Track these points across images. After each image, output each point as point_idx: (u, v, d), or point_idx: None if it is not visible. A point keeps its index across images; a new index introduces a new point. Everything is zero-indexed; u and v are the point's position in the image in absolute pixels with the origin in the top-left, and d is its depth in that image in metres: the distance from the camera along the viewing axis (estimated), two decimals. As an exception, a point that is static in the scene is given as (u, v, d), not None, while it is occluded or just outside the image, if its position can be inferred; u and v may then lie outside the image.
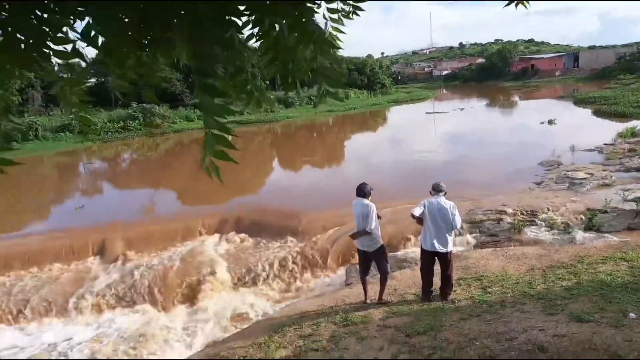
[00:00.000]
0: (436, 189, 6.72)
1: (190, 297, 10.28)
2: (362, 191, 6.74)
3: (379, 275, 6.86)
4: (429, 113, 45.23)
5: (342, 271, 10.51)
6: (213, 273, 10.85)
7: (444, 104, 57.65)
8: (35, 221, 17.34)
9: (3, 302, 10.66)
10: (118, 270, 11.89)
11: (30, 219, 17.58)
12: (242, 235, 13.21)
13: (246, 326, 7.63)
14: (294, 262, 11.18)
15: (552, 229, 11.32)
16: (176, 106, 42.95)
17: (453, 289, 6.76)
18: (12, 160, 1.75)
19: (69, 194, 22.68)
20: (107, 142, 35.16)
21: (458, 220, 6.53)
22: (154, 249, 12.92)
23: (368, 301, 6.80)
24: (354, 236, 6.86)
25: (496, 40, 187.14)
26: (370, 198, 6.76)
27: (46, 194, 23.39)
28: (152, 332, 8.88)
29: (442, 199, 6.58)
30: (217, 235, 13.44)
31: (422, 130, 35.26)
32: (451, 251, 6.67)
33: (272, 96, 44.10)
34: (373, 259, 6.85)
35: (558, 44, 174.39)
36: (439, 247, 6.51)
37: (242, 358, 4.87)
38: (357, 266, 7.41)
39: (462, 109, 47.02)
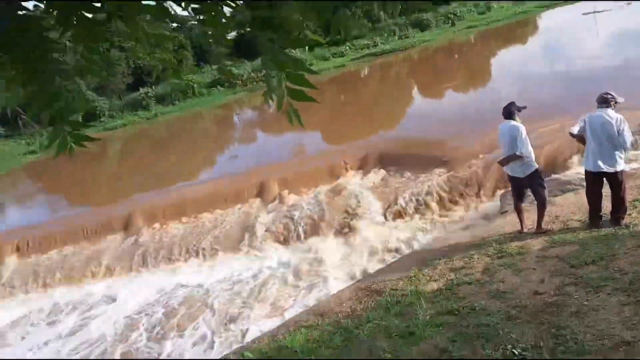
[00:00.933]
0: (602, 101, 5.79)
1: (342, 231, 10.73)
2: (509, 112, 6.11)
3: (536, 203, 6.32)
4: (587, 14, 38.90)
5: (494, 200, 9.93)
6: (361, 208, 11.15)
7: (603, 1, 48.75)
8: (202, 170, 19.43)
9: (181, 244, 12.38)
10: (276, 209, 12.89)
11: (198, 169, 19.75)
12: (387, 168, 13.21)
13: (396, 259, 7.75)
14: (442, 193, 10.90)
15: None
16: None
17: (627, 213, 5.92)
18: (91, 137, 1.86)
19: (227, 143, 24.90)
20: (254, 92, 37.33)
21: (628, 136, 5.59)
22: (305, 187, 13.63)
23: (525, 230, 6.32)
24: (502, 162, 6.34)
25: None
26: (519, 119, 6.13)
27: (208, 145, 25.95)
28: (307, 267, 9.58)
29: (608, 112, 5.67)
30: (361, 171, 13.65)
31: (581, 35, 30.66)
32: (622, 170, 5.77)
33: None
34: (527, 186, 6.29)
35: None
36: (605, 167, 5.68)
37: (393, 289, 4.95)
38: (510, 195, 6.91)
39: (628, 3, 39.21)
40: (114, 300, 11.70)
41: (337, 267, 9.18)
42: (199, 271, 11.54)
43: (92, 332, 10.28)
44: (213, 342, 8.56)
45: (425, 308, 4.17)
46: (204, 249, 12.38)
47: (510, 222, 6.63)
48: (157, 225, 14.19)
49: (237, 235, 12.33)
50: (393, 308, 4.43)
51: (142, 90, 38.71)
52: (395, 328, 3.93)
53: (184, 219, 13.94)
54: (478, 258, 5.31)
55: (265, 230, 11.97)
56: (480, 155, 11.66)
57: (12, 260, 14.66)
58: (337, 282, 8.33)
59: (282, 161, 16.69)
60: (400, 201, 11.00)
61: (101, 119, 37.73)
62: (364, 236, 10.10)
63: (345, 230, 10.69)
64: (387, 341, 3.76)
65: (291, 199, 13.09)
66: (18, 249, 15.02)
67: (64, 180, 25.85)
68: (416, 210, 10.67)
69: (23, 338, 10.84)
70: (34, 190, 26.03)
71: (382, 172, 13.14)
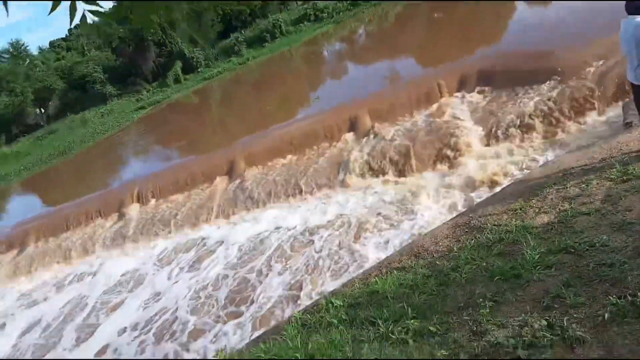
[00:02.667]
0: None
1: (440, 161, 10.13)
2: (636, 7, 4.96)
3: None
4: None
5: (614, 112, 8.59)
6: (460, 134, 10.37)
7: None
8: (294, 110, 19.41)
9: (281, 185, 12.63)
10: (370, 142, 12.53)
11: (291, 109, 19.77)
12: (488, 88, 12.06)
13: (499, 188, 7.08)
14: (551, 110, 9.68)
15: None
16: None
17: None
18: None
19: (318, 79, 24.58)
20: (339, 23, 36.01)
21: None
22: (400, 116, 13.02)
23: (657, 146, 5.34)
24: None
25: None
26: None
27: (300, 83, 25.86)
28: (401, 202, 9.23)
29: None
30: (460, 93, 12.64)
31: None
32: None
33: None
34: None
35: None
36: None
37: (495, 225, 4.47)
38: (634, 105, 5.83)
39: None
40: (224, 242, 12.50)
41: (434, 201, 8.72)
42: (298, 210, 11.78)
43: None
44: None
45: (533, 246, 3.66)
46: (301, 188, 12.57)
47: (636, 138, 5.62)
48: (257, 168, 14.63)
49: (332, 172, 12.28)
50: (495, 247, 3.97)
51: (232, 36, 39.39)
52: (498, 270, 3.51)
53: (281, 160, 14.17)
54: (597, 183, 4.56)
55: (359, 165, 11.75)
56: (593, 66, 10.06)
57: (134, 210, 16.16)
58: (433, 218, 7.94)
59: (375, 91, 16.02)
60: (503, 124, 10.01)
61: (198, 70, 39.25)
62: (463, 166, 9.43)
63: (442, 160, 10.07)
64: (488, 285, 3.38)
65: (385, 130, 12.59)
66: (138, 199, 16.47)
67: (172, 131, 27.63)
68: (521, 132, 9.63)
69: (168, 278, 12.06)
70: (146, 142, 28.17)
71: (482, 91, 12.04)
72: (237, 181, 14.60)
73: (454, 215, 6.63)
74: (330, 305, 3.84)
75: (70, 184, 26.28)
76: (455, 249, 4.23)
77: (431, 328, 3.02)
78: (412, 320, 3.17)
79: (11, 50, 51.29)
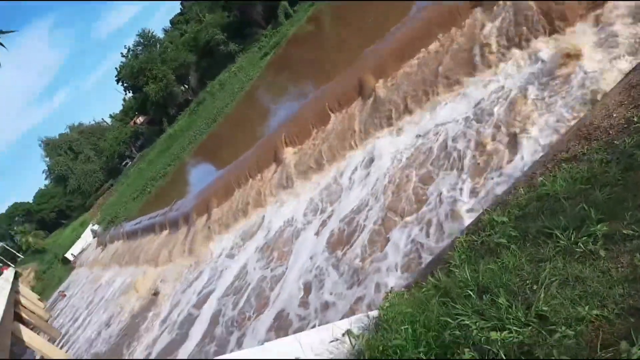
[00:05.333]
0: None
1: (592, 12, 8.33)
2: None
3: None
4: None
5: None
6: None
7: None
8: (406, 9, 17.77)
9: (415, 88, 11.94)
10: (501, 13, 10.96)
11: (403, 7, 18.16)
12: None
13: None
14: None
15: None
16: None
17: None
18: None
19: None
20: None
21: None
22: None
23: None
24: None
25: None
26: None
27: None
28: (557, 66, 7.89)
29: None
30: None
31: None
32: None
33: None
34: None
35: None
36: None
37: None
38: None
39: None
40: (376, 157, 12.54)
41: (594, 61, 7.23)
42: (446, 106, 11.14)
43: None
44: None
45: None
46: (438, 82, 11.74)
47: None
48: (385, 79, 14.02)
49: (467, 57, 11.16)
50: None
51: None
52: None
53: (408, 63, 13.31)
54: None
55: (496, 40, 10.43)
56: None
57: (289, 153, 16.95)
58: (597, 78, 6.61)
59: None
60: None
61: (303, -3, 38.46)
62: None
63: (596, 9, 8.24)
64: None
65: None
66: (287, 143, 17.20)
67: (299, 66, 27.93)
68: None
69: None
70: (280, 86, 28.99)
71: None
72: (370, 99, 14.24)
73: (624, 75, 5.36)
74: (494, 222, 3.44)
75: (230, 143, 28.56)
76: (636, 118, 3.41)
77: (625, 231, 2.49)
78: (598, 225, 2.66)
79: (142, 41, 55.75)
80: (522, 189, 3.69)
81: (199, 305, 15.03)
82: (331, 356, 3.33)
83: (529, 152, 6.92)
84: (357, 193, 12.23)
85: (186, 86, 54.09)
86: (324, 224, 12.50)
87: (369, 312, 3.86)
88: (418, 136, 11.73)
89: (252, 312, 11.87)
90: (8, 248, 65.74)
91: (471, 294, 2.71)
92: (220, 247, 17.77)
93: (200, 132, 38.09)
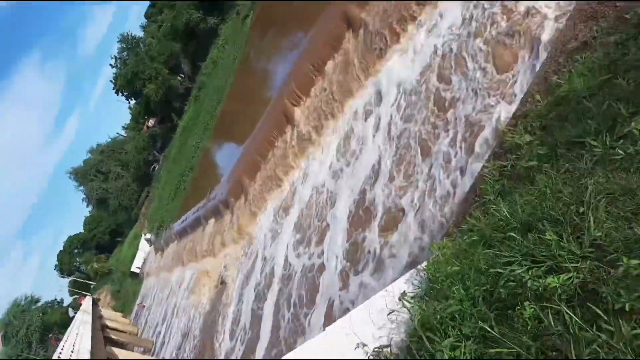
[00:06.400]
0: None
1: None
2: None
3: None
4: None
5: None
6: None
7: None
8: None
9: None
10: None
11: None
12: None
13: None
14: None
15: None
16: None
17: None
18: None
19: None
20: None
21: None
22: None
23: None
24: None
25: None
26: None
27: None
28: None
29: None
30: None
31: None
32: None
33: None
34: None
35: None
36: None
37: None
38: None
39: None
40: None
41: None
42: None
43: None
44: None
45: None
46: None
47: None
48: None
49: None
50: None
51: None
52: None
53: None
54: None
55: None
56: None
57: (297, 113, 16.62)
58: None
59: None
60: None
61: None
62: None
63: None
64: None
65: None
66: (293, 103, 16.82)
67: (283, 19, 26.95)
68: None
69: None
70: (270, 44, 28.16)
71: None
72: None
73: None
74: (518, 145, 3.14)
75: (243, 117, 28.26)
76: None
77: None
78: (632, 122, 2.34)
79: (125, 45, 55.00)
80: (538, 95, 3.34)
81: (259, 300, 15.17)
82: (393, 325, 3.23)
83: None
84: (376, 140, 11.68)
85: (182, 75, 53.54)
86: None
87: (420, 266, 3.71)
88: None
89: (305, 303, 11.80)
90: (78, 280, 69.11)
91: (514, 235, 2.49)
92: (264, 224, 17.88)
93: (211, 116, 37.88)
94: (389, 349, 2.89)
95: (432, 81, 9.83)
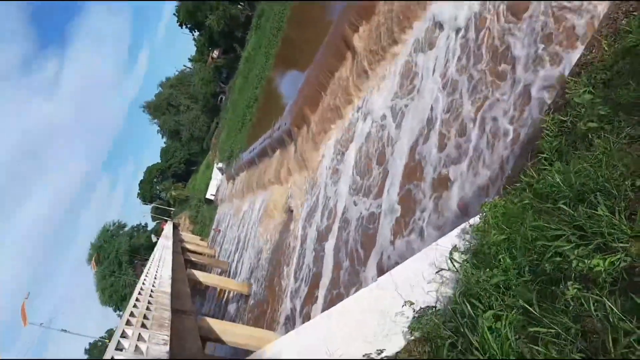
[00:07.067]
0: None
1: None
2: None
3: None
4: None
5: None
6: None
7: None
8: None
9: None
10: None
11: None
12: None
13: None
14: None
15: None
16: None
17: None
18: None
19: None
20: None
21: None
22: None
23: None
24: None
25: None
26: None
27: None
28: None
29: None
30: None
31: None
32: None
33: None
34: None
35: None
36: None
37: None
38: None
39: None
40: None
41: None
42: None
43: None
44: None
45: None
46: None
47: None
48: None
49: None
50: None
51: None
52: None
53: None
54: None
55: None
56: None
57: (357, 40, 16.05)
58: None
59: None
60: None
61: None
62: None
63: None
64: None
65: None
66: (353, 30, 16.18)
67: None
68: None
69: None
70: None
71: None
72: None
73: None
74: (581, 111, 2.89)
75: (304, 43, 27.53)
76: None
77: None
78: None
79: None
80: (604, 42, 3.01)
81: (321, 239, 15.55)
82: (441, 280, 3.26)
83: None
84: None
85: (242, 3, 52.70)
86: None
87: (471, 220, 3.67)
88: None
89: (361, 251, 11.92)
90: (160, 206, 74.24)
91: (564, 207, 2.38)
92: (326, 157, 17.99)
93: (272, 45, 37.37)
94: (433, 310, 2.96)
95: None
